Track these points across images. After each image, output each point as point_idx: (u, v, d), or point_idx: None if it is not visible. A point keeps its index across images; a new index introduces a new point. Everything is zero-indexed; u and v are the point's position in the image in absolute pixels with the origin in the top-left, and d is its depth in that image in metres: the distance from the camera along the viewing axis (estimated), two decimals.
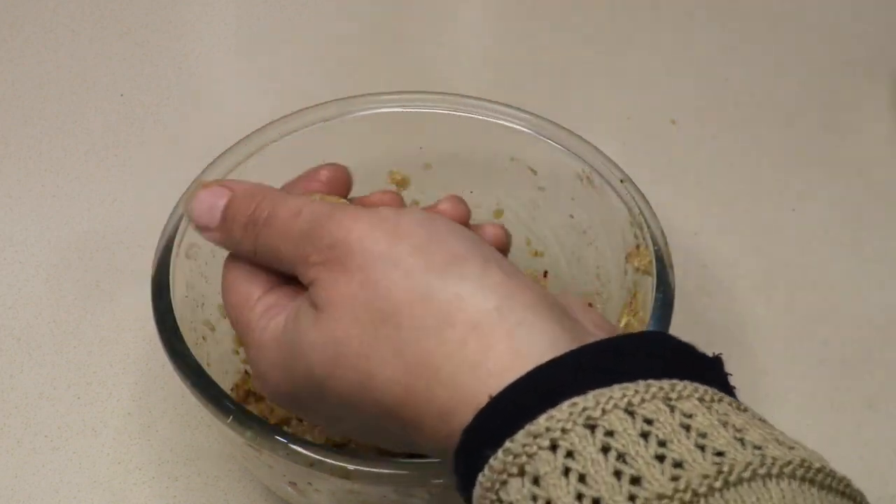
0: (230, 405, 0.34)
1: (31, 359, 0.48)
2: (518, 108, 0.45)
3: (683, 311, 0.50)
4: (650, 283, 0.39)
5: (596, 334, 0.28)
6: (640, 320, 0.40)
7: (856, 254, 0.55)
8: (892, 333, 0.51)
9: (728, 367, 0.28)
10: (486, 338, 0.26)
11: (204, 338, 0.41)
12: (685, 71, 0.65)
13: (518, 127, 0.45)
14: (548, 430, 0.24)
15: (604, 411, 0.24)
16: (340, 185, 0.37)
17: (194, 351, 0.37)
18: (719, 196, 0.58)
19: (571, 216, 0.46)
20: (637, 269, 0.41)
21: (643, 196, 0.42)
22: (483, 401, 0.25)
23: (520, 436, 0.24)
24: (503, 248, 0.37)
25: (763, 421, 0.26)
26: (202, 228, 0.34)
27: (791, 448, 0.24)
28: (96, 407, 0.47)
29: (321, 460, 0.33)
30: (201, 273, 0.41)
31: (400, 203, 0.37)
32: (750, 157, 0.60)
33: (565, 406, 0.24)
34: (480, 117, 0.45)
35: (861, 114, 0.63)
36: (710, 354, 0.28)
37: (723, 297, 0.52)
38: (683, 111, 0.63)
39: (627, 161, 0.45)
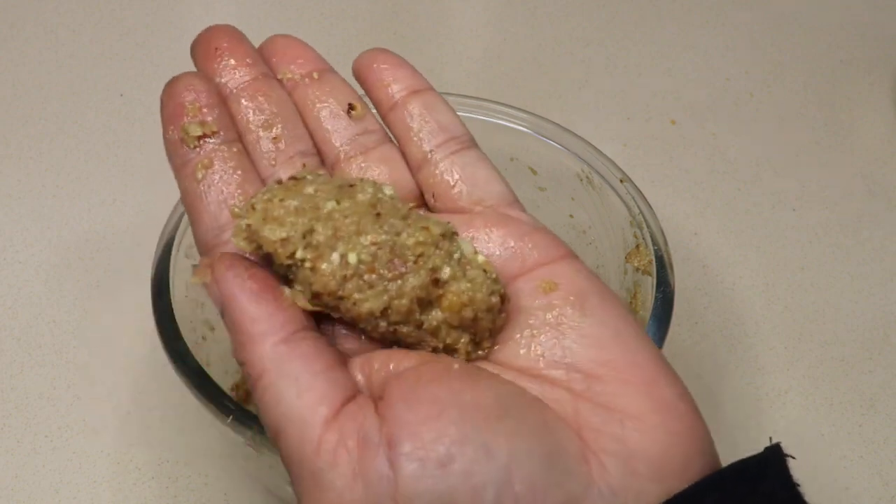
0: (230, 405, 0.34)
1: (31, 359, 0.48)
2: (518, 108, 0.45)
3: (683, 311, 0.51)
4: (650, 283, 0.39)
5: None
6: (640, 320, 0.40)
7: (856, 254, 0.55)
8: (892, 333, 0.51)
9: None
10: None
11: (204, 338, 0.41)
12: (685, 71, 0.65)
13: (518, 127, 0.45)
14: None
15: None
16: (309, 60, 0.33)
17: (194, 351, 0.37)
18: (719, 196, 0.58)
19: (571, 216, 0.46)
20: (637, 269, 0.41)
21: (643, 196, 0.42)
22: None
23: None
24: None
25: None
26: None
27: None
28: (96, 407, 0.47)
29: None
30: None
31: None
32: (750, 157, 0.60)
33: None
34: (480, 117, 0.45)
35: (861, 114, 0.63)
36: (769, 442, 0.26)
37: (723, 297, 0.52)
38: (683, 111, 0.63)
39: (627, 161, 0.45)
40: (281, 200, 0.28)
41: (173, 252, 0.39)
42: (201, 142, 0.30)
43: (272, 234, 0.27)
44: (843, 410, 0.48)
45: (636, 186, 0.42)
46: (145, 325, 0.49)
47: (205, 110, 0.30)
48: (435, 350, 0.28)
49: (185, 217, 0.40)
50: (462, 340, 0.27)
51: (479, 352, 0.28)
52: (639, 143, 0.60)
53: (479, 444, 0.24)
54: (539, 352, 0.27)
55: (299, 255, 0.27)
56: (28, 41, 0.66)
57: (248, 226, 0.27)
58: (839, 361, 0.50)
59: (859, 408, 0.48)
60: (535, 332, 0.27)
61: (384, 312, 0.27)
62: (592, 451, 0.25)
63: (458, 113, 0.45)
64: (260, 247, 0.27)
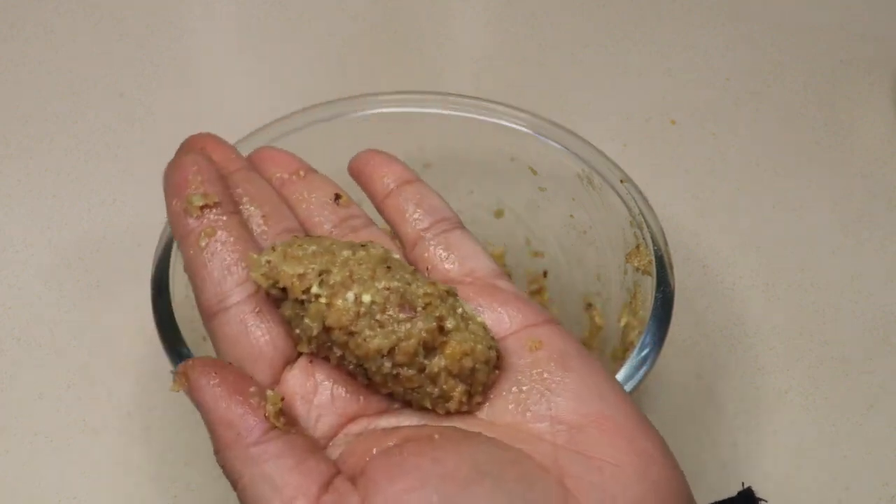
0: None
1: (31, 359, 0.48)
2: (518, 108, 0.45)
3: (683, 311, 0.51)
4: (650, 283, 0.39)
5: None
6: (640, 320, 0.40)
7: (856, 254, 0.55)
8: (892, 333, 0.51)
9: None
10: None
11: (204, 338, 0.41)
12: (685, 71, 0.65)
13: (518, 127, 0.45)
14: None
15: None
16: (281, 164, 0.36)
17: (194, 351, 0.37)
18: (719, 196, 0.58)
19: (571, 216, 0.46)
20: (637, 269, 0.41)
21: (643, 196, 0.42)
22: None
23: None
24: None
25: None
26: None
27: None
28: (96, 407, 0.47)
29: None
30: None
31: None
32: (750, 157, 0.60)
33: None
34: (480, 117, 0.45)
35: (861, 114, 0.63)
36: (742, 487, 0.27)
37: (723, 297, 0.52)
38: (683, 111, 0.63)
39: (627, 161, 0.45)
40: (300, 245, 0.30)
41: (173, 252, 0.39)
42: (204, 211, 0.32)
43: (290, 268, 0.29)
44: (843, 410, 0.48)
45: (636, 186, 0.42)
46: (145, 325, 0.49)
47: (207, 183, 0.32)
48: (430, 397, 0.29)
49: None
50: (458, 390, 0.29)
51: (471, 404, 0.29)
52: (639, 143, 0.60)
53: None
54: (526, 405, 0.29)
55: (314, 290, 0.29)
56: (28, 41, 0.66)
57: (268, 262, 0.29)
58: (839, 361, 0.50)
59: (859, 408, 0.48)
60: (522, 388, 0.29)
61: (391, 352, 0.28)
62: (574, 497, 0.26)
63: (458, 113, 0.45)
64: (276, 283, 0.29)
